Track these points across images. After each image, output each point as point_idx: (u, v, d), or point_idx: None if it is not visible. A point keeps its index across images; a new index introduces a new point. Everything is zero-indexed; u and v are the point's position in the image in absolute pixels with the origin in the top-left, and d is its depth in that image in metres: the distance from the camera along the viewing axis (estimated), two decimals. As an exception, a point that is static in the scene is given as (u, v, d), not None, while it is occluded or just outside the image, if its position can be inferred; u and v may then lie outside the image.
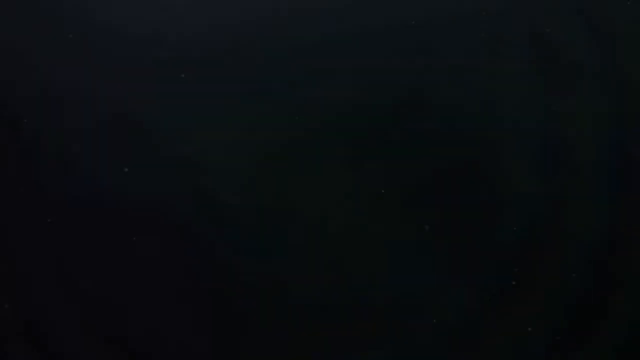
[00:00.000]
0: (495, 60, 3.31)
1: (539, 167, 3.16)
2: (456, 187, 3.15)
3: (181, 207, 3.17)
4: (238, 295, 3.04)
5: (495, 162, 3.18)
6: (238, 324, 3.00)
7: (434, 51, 3.32)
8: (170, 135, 3.29)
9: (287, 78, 3.35)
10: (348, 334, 2.99)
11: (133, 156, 3.25)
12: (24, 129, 3.29)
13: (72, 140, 3.26)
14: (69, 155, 3.24)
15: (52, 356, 2.96)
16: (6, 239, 3.12)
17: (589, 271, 2.99)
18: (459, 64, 3.30)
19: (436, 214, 3.11)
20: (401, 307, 3.01)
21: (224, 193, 3.20)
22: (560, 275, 2.99)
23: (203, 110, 3.34)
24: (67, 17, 3.50)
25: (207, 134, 3.29)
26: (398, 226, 3.12)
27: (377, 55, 3.33)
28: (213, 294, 3.04)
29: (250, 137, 3.28)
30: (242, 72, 3.37)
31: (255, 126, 3.30)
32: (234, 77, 3.37)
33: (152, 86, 3.37)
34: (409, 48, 3.33)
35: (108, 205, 3.14)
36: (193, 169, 3.23)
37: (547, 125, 3.23)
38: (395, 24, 3.37)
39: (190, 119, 3.32)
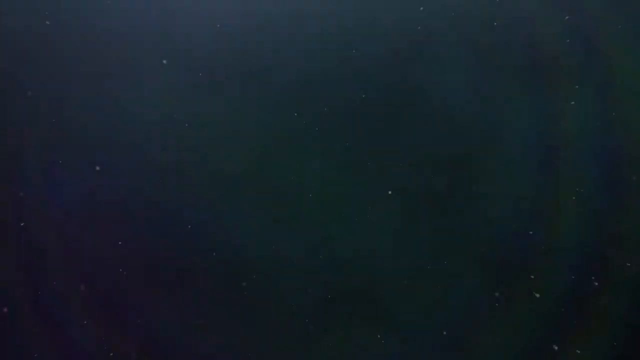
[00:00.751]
0: (494, 63, 3.33)
1: (538, 167, 3.18)
2: (455, 187, 3.17)
3: (178, 208, 3.17)
4: (234, 295, 3.05)
5: (493, 162, 3.20)
6: (235, 323, 3.01)
7: (433, 52, 3.33)
8: (167, 135, 3.29)
9: (286, 78, 3.35)
10: (349, 333, 3.00)
11: (128, 156, 3.24)
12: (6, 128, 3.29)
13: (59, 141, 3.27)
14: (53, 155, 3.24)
15: (50, 356, 2.96)
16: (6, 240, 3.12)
17: (588, 270, 3.01)
18: (459, 65, 3.32)
19: (437, 215, 3.13)
20: (402, 306, 3.03)
21: (222, 193, 3.20)
22: (559, 274, 3.01)
23: (201, 110, 3.34)
24: (67, 17, 3.49)
25: (206, 133, 3.29)
26: (398, 227, 3.14)
27: (377, 56, 3.34)
28: (207, 294, 3.05)
29: (250, 137, 3.28)
30: (242, 73, 3.37)
31: (255, 125, 3.30)
32: (233, 78, 3.37)
33: (149, 84, 3.37)
34: (409, 49, 3.34)
35: (87, 207, 3.16)
36: (192, 169, 3.23)
37: (545, 126, 3.25)
38: (395, 24, 3.38)
39: (187, 118, 3.32)
